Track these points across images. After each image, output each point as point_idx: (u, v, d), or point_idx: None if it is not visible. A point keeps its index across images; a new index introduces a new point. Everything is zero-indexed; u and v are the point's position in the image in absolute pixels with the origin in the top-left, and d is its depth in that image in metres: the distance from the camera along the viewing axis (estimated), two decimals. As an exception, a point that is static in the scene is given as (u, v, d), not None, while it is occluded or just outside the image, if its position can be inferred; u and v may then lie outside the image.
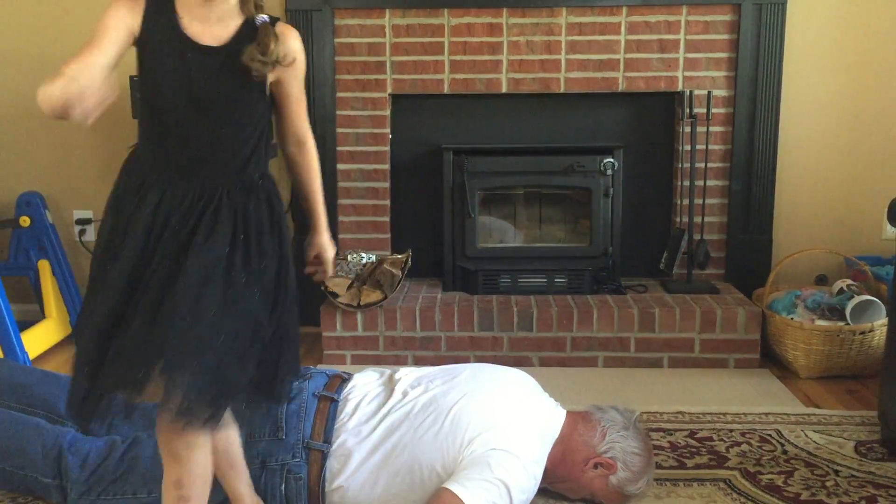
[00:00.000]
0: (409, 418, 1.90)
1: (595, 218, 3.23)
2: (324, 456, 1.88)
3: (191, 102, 1.49)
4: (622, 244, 3.29)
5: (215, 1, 1.49)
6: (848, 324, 2.85)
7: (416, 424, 1.88)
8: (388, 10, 3.24)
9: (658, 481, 2.11)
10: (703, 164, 3.26)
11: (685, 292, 3.20)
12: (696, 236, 3.27)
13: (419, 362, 3.01)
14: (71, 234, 3.52)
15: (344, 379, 2.06)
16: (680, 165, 3.31)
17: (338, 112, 3.31)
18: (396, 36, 3.26)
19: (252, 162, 1.57)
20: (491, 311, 3.05)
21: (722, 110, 3.27)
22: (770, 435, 2.39)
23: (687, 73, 3.25)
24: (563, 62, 3.26)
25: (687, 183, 3.26)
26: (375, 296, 3.05)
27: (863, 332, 2.83)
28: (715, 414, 2.55)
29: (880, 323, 2.82)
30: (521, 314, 3.05)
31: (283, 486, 1.87)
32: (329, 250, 1.78)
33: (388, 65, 3.29)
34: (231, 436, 1.70)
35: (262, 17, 1.54)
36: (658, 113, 3.37)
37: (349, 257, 3.17)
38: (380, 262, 3.12)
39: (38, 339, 3.06)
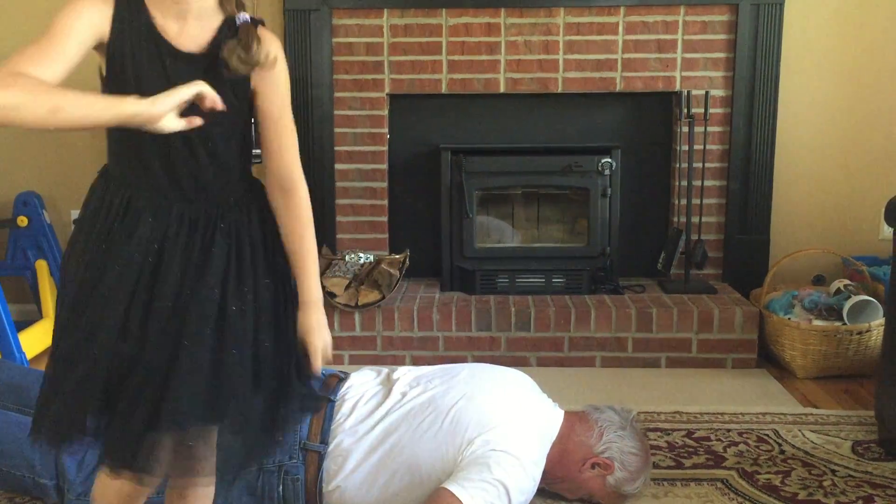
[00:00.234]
0: (407, 418, 1.90)
1: (593, 218, 3.23)
2: (321, 457, 1.88)
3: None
4: (620, 244, 3.29)
5: None
6: (845, 324, 2.85)
7: (415, 425, 1.88)
8: (386, 10, 3.24)
9: (655, 481, 2.11)
10: (700, 164, 3.26)
11: (683, 292, 3.21)
12: (694, 236, 3.27)
13: (417, 362, 3.01)
14: (68, 233, 3.49)
15: (340, 378, 2.05)
16: (677, 165, 3.31)
17: (336, 112, 3.31)
18: (394, 36, 3.26)
19: (239, 174, 1.46)
20: (489, 312, 3.05)
21: (719, 110, 3.27)
22: (767, 435, 2.39)
23: (684, 74, 3.25)
24: (560, 62, 3.26)
25: (684, 183, 3.27)
26: (373, 296, 3.05)
27: (860, 332, 2.83)
28: (712, 414, 2.55)
29: (877, 323, 2.82)
30: (518, 314, 3.05)
31: (281, 487, 1.87)
32: (314, 335, 1.51)
33: (385, 65, 3.29)
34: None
35: (244, 17, 1.38)
36: (656, 113, 3.37)
37: (347, 257, 3.18)
38: (377, 262, 3.12)
39: (36, 340, 3.05)
